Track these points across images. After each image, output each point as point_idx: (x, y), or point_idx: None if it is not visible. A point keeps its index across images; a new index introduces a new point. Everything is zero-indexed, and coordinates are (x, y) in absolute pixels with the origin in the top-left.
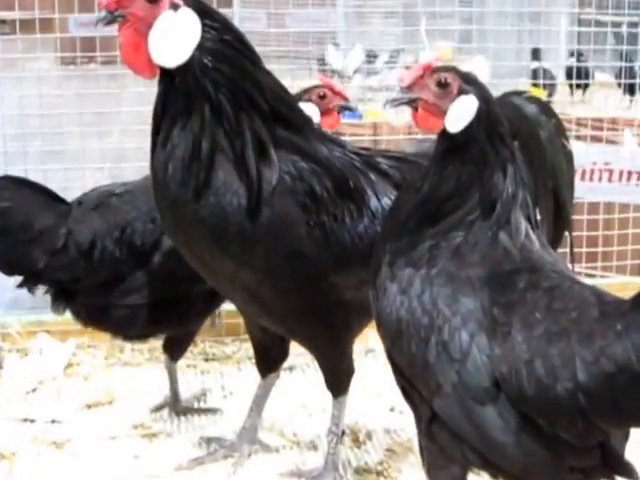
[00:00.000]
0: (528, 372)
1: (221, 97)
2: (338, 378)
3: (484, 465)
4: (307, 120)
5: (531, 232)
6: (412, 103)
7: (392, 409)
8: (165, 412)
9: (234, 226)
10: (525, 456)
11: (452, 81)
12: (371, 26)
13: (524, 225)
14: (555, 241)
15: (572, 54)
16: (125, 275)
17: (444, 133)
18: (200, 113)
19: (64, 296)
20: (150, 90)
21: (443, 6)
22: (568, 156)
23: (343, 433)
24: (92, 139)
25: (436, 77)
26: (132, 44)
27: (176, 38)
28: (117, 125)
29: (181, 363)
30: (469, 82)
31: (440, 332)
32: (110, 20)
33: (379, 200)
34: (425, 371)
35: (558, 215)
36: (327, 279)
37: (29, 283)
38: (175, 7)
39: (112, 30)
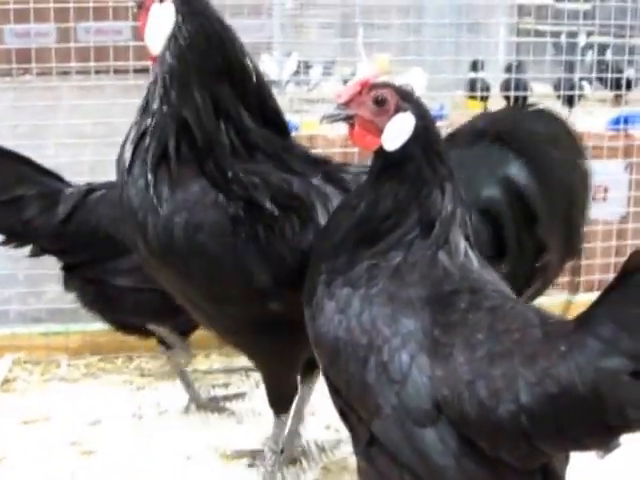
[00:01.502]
0: (470, 394)
1: (154, 91)
2: (282, 396)
3: None
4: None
5: (470, 251)
6: (349, 120)
7: (328, 427)
8: (100, 429)
9: (152, 229)
10: None
11: (389, 98)
12: (308, 36)
13: (463, 244)
14: (558, 269)
15: (508, 68)
16: (118, 254)
17: (381, 151)
18: None
19: (67, 270)
20: (85, 103)
21: (380, 17)
22: (583, 177)
23: (282, 451)
24: (27, 152)
25: (373, 94)
26: (141, 29)
27: (155, 30)
28: (52, 138)
29: (116, 379)
30: (406, 99)
31: (379, 353)
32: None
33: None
34: (364, 392)
35: (567, 240)
36: (264, 292)
37: (10, 242)
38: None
39: (47, 41)
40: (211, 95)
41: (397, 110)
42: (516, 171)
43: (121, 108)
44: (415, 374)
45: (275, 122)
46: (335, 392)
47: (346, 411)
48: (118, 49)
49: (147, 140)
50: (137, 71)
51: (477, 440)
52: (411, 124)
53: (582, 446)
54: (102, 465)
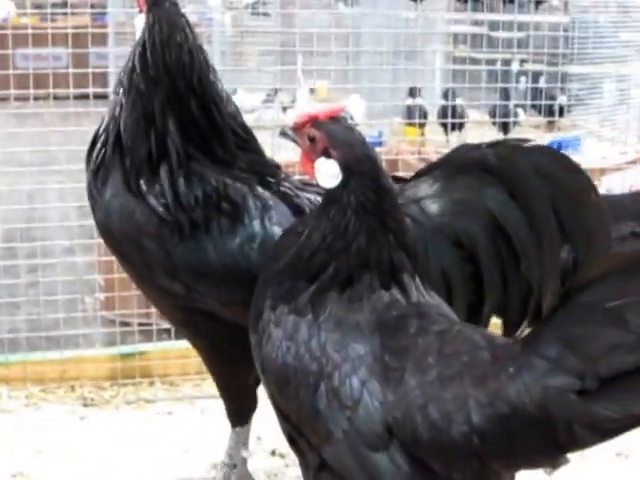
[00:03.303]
0: (422, 417)
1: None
2: (234, 407)
3: None
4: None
5: (413, 276)
6: (296, 143)
7: (273, 452)
8: (43, 460)
9: (96, 213)
10: None
11: (319, 141)
12: (248, 64)
13: (407, 270)
14: None
15: (445, 96)
16: None
17: None
18: None
19: None
20: (23, 130)
21: (319, 45)
22: (599, 215)
23: (235, 466)
24: None
25: (309, 131)
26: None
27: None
28: None
29: (58, 409)
30: (337, 146)
31: (330, 378)
32: None
33: (264, 226)
34: (314, 418)
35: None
36: (187, 284)
37: None
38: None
39: None
40: (174, 106)
41: (324, 154)
42: (500, 205)
43: (60, 135)
44: (366, 399)
45: (236, 127)
46: (284, 418)
47: (295, 437)
48: (57, 76)
49: (106, 140)
50: (76, 98)
51: (429, 461)
52: (335, 172)
53: (532, 464)
54: None
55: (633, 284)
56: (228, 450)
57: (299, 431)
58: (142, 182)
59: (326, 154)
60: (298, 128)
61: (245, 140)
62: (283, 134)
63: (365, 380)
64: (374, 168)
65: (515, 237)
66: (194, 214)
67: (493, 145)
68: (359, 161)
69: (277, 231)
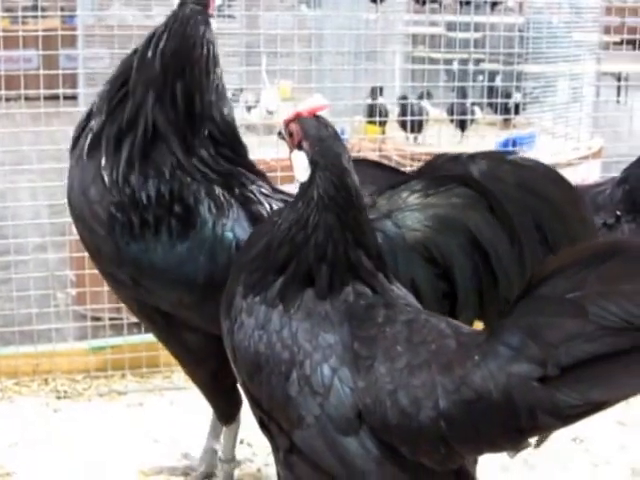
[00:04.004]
0: (392, 402)
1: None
2: (216, 406)
3: None
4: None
5: (375, 275)
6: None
7: (241, 441)
8: (18, 451)
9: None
10: None
11: (295, 134)
12: None
13: (365, 269)
14: None
15: (404, 97)
16: None
17: None
18: None
19: None
20: None
21: (283, 46)
22: (587, 227)
23: (233, 459)
24: None
25: (290, 126)
26: None
27: None
28: None
29: (32, 402)
30: (308, 139)
31: (302, 366)
32: None
33: (215, 232)
34: (286, 404)
35: None
36: (127, 274)
37: None
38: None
39: None
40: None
41: (298, 146)
42: (477, 220)
43: (31, 135)
44: (337, 385)
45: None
46: (254, 403)
47: (266, 421)
48: (28, 77)
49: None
50: (47, 98)
51: (398, 446)
52: (304, 165)
53: (496, 447)
54: None
55: (592, 276)
56: (223, 448)
57: (270, 416)
58: (103, 158)
59: (300, 146)
60: (287, 124)
61: (225, 135)
62: (280, 134)
63: (336, 368)
64: (339, 164)
65: (493, 253)
66: (145, 214)
67: (474, 156)
68: (324, 155)
69: (229, 237)
